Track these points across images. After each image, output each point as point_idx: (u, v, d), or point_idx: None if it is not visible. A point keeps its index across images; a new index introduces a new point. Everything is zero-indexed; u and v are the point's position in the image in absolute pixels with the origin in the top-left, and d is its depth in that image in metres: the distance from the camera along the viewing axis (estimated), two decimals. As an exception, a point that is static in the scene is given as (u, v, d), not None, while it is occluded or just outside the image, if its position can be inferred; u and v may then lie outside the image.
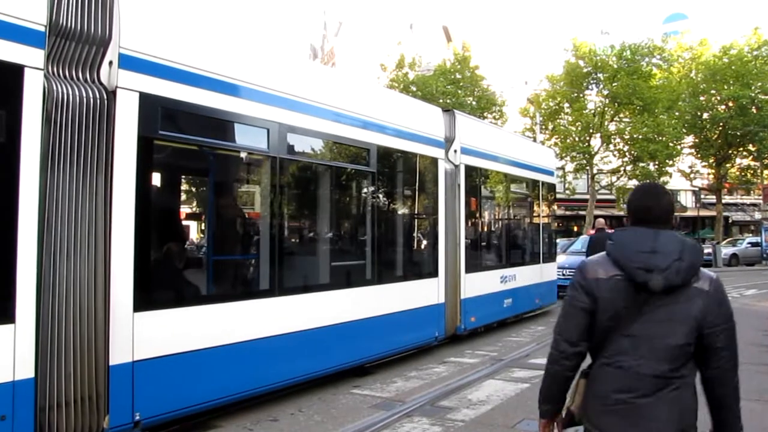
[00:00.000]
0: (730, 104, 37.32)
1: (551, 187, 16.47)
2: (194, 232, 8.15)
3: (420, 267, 10.38)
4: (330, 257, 8.42)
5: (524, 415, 6.81)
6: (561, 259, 20.81)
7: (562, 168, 39.24)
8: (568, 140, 35.54)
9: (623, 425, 2.69)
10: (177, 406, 5.91)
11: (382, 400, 7.50)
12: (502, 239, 13.97)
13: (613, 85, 33.78)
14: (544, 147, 21.89)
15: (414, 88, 31.97)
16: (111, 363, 5.26)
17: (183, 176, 7.72)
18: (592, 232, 24.49)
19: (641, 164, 35.28)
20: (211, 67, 6.31)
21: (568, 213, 47.94)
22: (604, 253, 2.82)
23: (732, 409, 2.75)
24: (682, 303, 2.65)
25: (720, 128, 38.88)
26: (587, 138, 35.66)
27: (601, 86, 35.50)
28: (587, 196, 37.30)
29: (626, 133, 35.22)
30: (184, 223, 7.76)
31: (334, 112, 8.00)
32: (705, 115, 39.15)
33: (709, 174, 44.55)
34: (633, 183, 38.47)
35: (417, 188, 10.26)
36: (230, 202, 7.64)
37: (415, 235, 10.61)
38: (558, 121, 36.53)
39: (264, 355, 6.86)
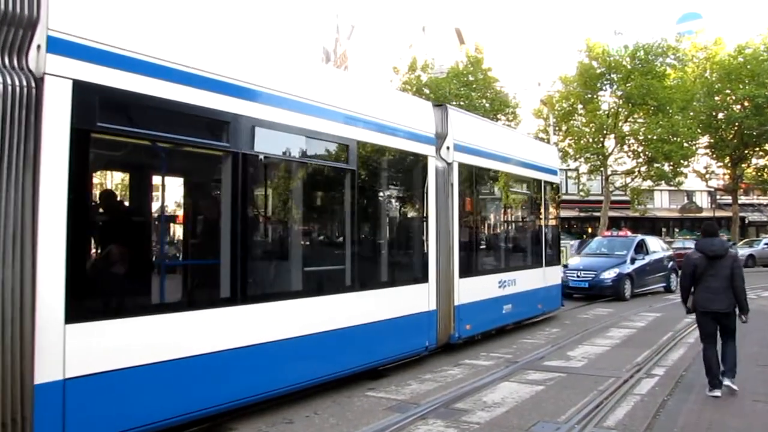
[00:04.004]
0: (746, 104, 37.10)
1: (555, 188, 15.68)
2: (143, 234, 6.96)
3: (407, 272, 9.60)
4: (302, 262, 7.73)
5: (539, 417, 6.80)
6: (575, 261, 20.72)
7: (576, 169, 39.17)
8: (581, 141, 35.45)
9: (711, 304, 7.56)
10: (115, 429, 5.31)
11: (397, 402, 7.48)
12: (501, 242, 13.24)
13: (627, 85, 33.67)
14: (547, 145, 21.05)
15: (427, 91, 32.00)
16: (37, 382, 4.68)
17: (128, 173, 7.08)
18: (607, 233, 24.47)
19: (656, 165, 35.10)
20: (158, 53, 5.70)
21: (582, 215, 47.78)
22: (694, 249, 8.04)
23: (742, 298, 7.54)
24: (725, 261, 7.58)
25: (735, 128, 38.64)
26: (601, 139, 35.54)
27: (615, 87, 35.40)
28: (602, 198, 37.16)
29: (640, 133, 35.08)
30: (130, 224, 6.86)
31: (306, 105, 7.36)
32: (720, 115, 38.95)
33: (724, 174, 44.31)
34: (648, 184, 38.34)
35: (403, 187, 9.74)
36: (185, 202, 7.17)
37: (400, 237, 10.04)
38: (572, 122, 36.44)
39: (218, 372, 6.18)
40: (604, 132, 35.16)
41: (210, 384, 6.11)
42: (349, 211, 8.19)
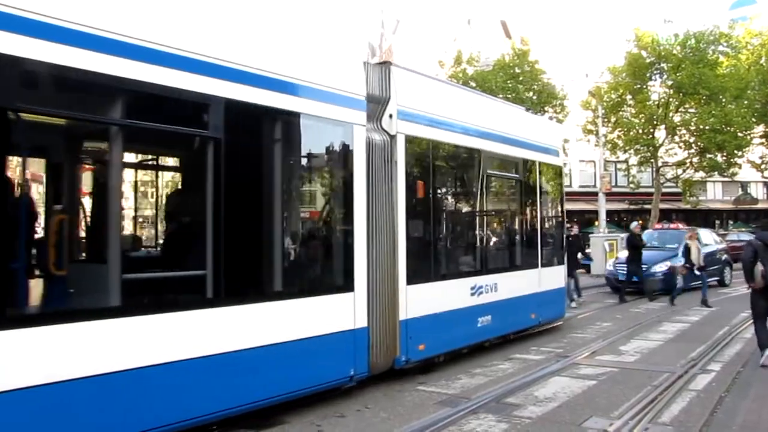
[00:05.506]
0: (804, 91, 35.91)
1: (557, 171, 13.09)
2: None
3: (315, 278, 7.42)
4: (119, 267, 5.31)
5: (592, 412, 6.75)
6: (625, 254, 20.46)
7: (626, 161, 38.45)
8: (631, 133, 34.82)
9: None
10: None
11: (447, 396, 7.50)
12: (475, 238, 10.39)
13: (678, 74, 32.89)
14: (546, 119, 17.57)
15: (473, 84, 31.80)
16: None
17: None
18: (658, 226, 24.05)
19: (709, 156, 34.32)
20: None
21: (632, 207, 47.00)
22: (755, 237, 9.42)
23: None
24: None
25: (792, 117, 37.45)
26: (651, 130, 34.86)
27: (665, 76, 34.63)
28: (652, 190, 36.50)
29: (692, 124, 34.29)
30: None
31: (136, 47, 5.26)
32: (776, 104, 37.78)
33: (780, 164, 42.98)
34: (700, 175, 37.50)
35: (309, 164, 7.63)
36: None
37: (304, 232, 7.65)
38: (621, 113, 35.77)
39: None
40: (655, 123, 34.47)
41: None
42: (211, 194, 5.90)
